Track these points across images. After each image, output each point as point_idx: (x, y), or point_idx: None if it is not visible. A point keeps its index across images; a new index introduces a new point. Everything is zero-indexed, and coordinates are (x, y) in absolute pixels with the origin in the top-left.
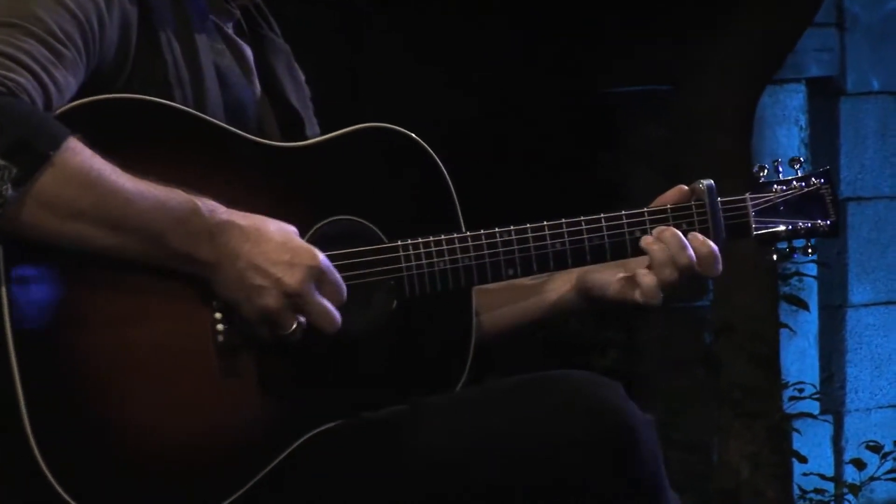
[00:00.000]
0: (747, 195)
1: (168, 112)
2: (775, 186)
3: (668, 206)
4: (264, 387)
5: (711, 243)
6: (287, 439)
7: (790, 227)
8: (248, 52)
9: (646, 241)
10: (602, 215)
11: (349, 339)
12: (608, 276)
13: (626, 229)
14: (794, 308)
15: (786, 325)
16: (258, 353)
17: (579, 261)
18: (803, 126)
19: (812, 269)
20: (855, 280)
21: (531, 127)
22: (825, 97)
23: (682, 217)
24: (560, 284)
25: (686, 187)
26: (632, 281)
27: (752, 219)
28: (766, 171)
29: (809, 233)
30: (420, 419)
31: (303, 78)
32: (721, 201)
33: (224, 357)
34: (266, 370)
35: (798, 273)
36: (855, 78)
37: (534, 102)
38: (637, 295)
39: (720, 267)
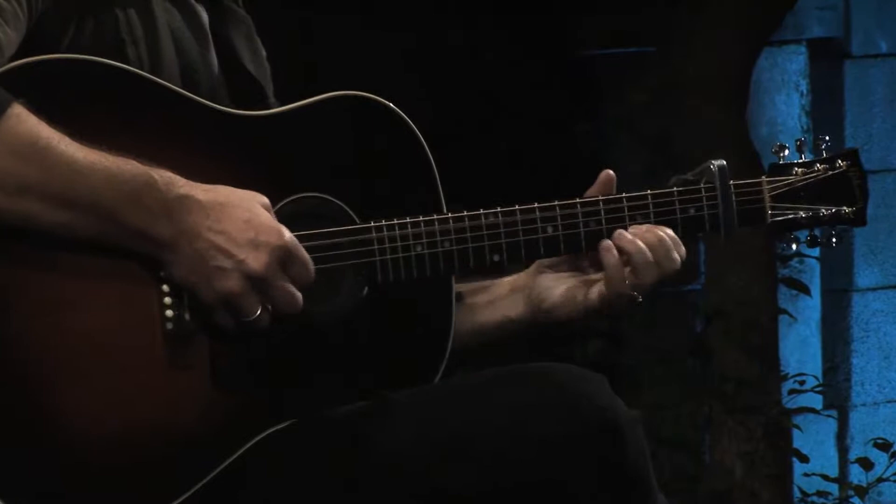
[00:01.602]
0: (763, 178)
1: (120, 74)
2: (796, 169)
3: (675, 189)
4: (217, 379)
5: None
6: (241, 437)
7: (811, 213)
8: (205, 16)
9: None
10: (600, 197)
11: (313, 329)
12: (560, 282)
13: (626, 213)
14: (795, 292)
15: (785, 311)
16: (211, 341)
17: (573, 247)
18: (804, 92)
19: (814, 251)
20: (861, 262)
21: (503, 95)
22: (828, 60)
23: (690, 201)
24: (509, 301)
25: (611, 172)
26: (587, 282)
27: (768, 204)
28: (786, 150)
29: (833, 220)
30: (386, 416)
31: (264, 53)
32: (734, 184)
33: (173, 346)
34: (219, 361)
35: (799, 254)
36: (860, 39)
37: (506, 68)
38: (594, 292)
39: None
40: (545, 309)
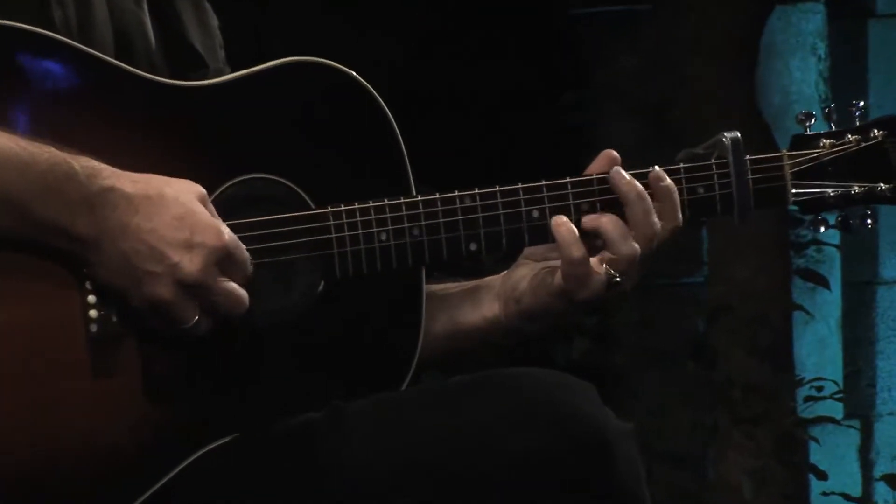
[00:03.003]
0: (784, 152)
1: (39, 42)
2: (823, 141)
3: (681, 165)
4: (149, 388)
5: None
6: (176, 455)
7: (840, 191)
8: None
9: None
10: (594, 175)
11: (260, 331)
12: (535, 269)
13: None
14: (811, 285)
15: (800, 307)
16: (142, 346)
17: None
18: (822, 56)
19: (834, 237)
20: (887, 250)
21: (479, 61)
22: (849, 19)
23: (699, 179)
24: (487, 300)
25: (615, 152)
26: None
27: (790, 182)
28: (813, 120)
29: (866, 198)
30: (341, 429)
31: (215, 23)
32: (750, 159)
33: (98, 351)
34: (152, 368)
35: (816, 241)
36: None
37: (482, 30)
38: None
39: (655, 225)
40: (515, 298)
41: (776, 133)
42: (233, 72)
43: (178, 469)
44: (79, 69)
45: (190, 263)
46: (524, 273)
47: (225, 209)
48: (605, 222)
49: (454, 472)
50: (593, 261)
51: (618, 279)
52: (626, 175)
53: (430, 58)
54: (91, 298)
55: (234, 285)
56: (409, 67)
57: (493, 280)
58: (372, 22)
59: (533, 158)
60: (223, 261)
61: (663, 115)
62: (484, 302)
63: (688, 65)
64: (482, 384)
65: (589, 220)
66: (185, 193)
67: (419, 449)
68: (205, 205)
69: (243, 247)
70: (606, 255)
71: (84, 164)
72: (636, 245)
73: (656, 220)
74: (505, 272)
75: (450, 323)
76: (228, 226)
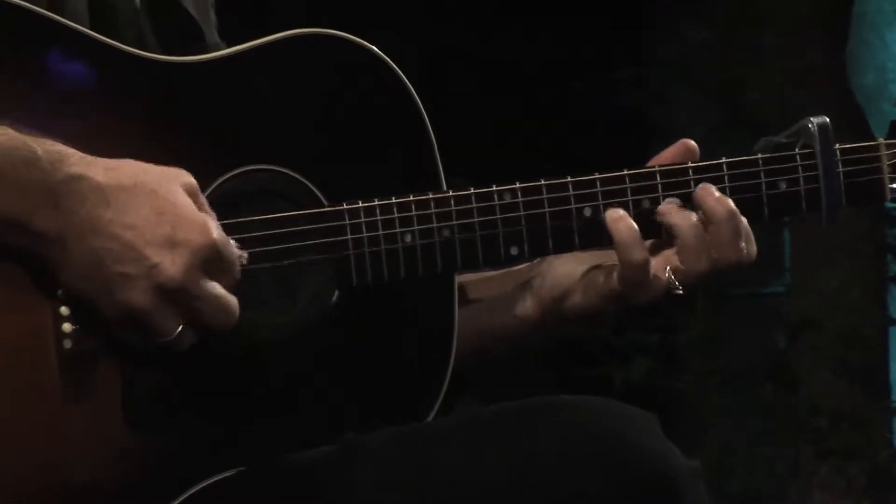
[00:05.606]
0: (881, 140)
1: (4, 10)
2: None
3: (759, 155)
4: (132, 415)
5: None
6: (167, 491)
7: None
8: None
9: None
10: (656, 167)
11: (262, 348)
12: (579, 262)
13: (692, 188)
14: None
15: None
16: (124, 365)
17: None
18: None
19: None
20: None
21: (521, 30)
22: None
23: (781, 172)
24: (516, 296)
25: (692, 143)
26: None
27: (888, 175)
28: None
29: None
30: (355, 465)
31: None
32: (840, 149)
33: (73, 370)
34: (135, 391)
35: None
36: None
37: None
38: (615, 279)
39: (743, 250)
40: (556, 298)
41: (870, 117)
42: (228, 47)
43: None
44: (47, 40)
45: (171, 265)
46: (569, 271)
47: (222, 206)
48: (681, 222)
49: None
50: (656, 264)
51: (680, 291)
52: (716, 192)
53: (462, 26)
54: (64, 310)
55: (222, 290)
56: (436, 40)
57: (523, 272)
58: None
59: (585, 146)
60: (210, 262)
61: (737, 96)
62: (515, 298)
63: (766, 38)
64: (524, 415)
65: (664, 209)
66: (167, 183)
67: (450, 491)
68: (194, 197)
69: (233, 247)
70: (673, 261)
71: (48, 148)
72: (714, 260)
73: (745, 245)
74: (537, 262)
75: (473, 321)
76: (226, 225)
